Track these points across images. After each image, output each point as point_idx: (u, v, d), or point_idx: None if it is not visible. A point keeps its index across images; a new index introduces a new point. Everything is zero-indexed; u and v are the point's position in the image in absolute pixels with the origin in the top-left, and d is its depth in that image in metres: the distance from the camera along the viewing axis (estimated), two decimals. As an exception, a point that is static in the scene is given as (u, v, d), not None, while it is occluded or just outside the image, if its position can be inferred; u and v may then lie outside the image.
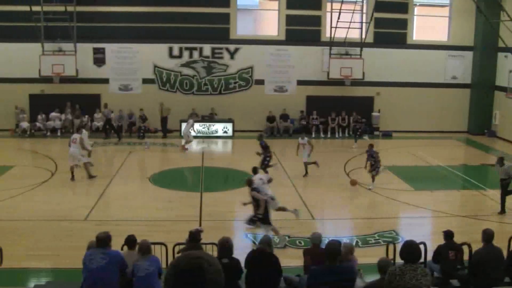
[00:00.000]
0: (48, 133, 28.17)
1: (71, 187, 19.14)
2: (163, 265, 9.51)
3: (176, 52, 29.13)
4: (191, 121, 25.91)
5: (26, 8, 26.40)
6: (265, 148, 20.11)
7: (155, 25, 28.66)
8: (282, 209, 14.72)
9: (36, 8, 26.70)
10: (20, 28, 27.93)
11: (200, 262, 2.55)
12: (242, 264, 8.92)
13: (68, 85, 28.45)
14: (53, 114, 28.38)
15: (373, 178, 18.99)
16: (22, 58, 28.15)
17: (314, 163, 20.39)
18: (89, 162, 20.31)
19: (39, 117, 28.37)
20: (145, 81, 29.20)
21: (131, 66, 29.13)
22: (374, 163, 18.93)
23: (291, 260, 12.06)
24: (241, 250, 10.24)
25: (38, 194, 18.20)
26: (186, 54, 29.18)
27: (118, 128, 28.15)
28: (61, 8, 26.98)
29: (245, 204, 14.44)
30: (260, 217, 13.86)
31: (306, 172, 20.68)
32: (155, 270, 8.75)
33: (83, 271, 8.73)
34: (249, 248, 11.14)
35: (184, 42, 28.94)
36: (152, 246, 9.41)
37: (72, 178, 19.56)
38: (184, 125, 26.34)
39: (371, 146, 19.52)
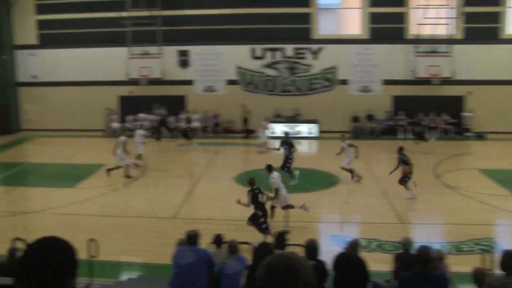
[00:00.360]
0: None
1: (160, 185, 19.65)
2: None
3: (258, 53, 29.30)
4: (264, 123, 25.93)
5: (114, 14, 27.36)
6: (290, 150, 19.86)
7: (238, 27, 28.94)
8: (290, 206, 14.70)
9: (123, 14, 27.62)
10: (109, 34, 29.05)
11: (293, 263, 2.53)
12: (328, 267, 8.82)
13: (155, 87, 29.23)
14: (141, 115, 29.25)
15: (405, 185, 17.47)
16: (111, 61, 29.27)
17: (351, 172, 19.38)
18: (136, 163, 21.04)
19: (128, 117, 29.29)
20: (229, 82, 29.51)
21: (215, 68, 29.53)
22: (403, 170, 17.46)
23: (378, 264, 11.80)
24: (328, 252, 10.13)
25: (129, 191, 18.83)
26: (268, 55, 29.30)
27: (203, 129, 28.61)
28: (146, 13, 27.74)
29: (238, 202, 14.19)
30: (263, 219, 13.84)
31: (352, 176, 19.54)
32: (242, 269, 8.81)
33: (173, 267, 8.91)
34: (336, 250, 11.03)
35: (267, 43, 29.06)
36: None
37: (128, 177, 20.24)
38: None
39: (400, 148, 17.71)
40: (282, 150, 20.13)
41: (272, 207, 15.04)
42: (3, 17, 25.78)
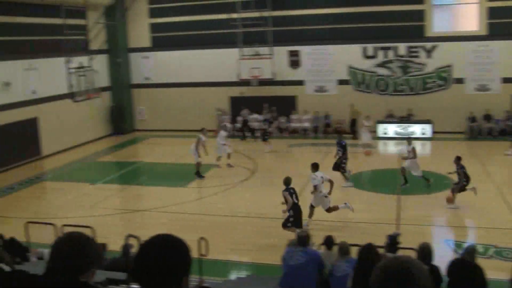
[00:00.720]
0: (248, 134, 29.40)
1: (270, 185, 19.73)
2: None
3: (370, 52, 28.77)
4: (365, 122, 25.48)
5: (225, 16, 27.90)
6: (344, 149, 19.43)
7: (349, 26, 28.58)
8: (334, 208, 14.55)
9: (234, 16, 28.10)
10: (220, 35, 29.64)
11: (410, 267, 2.42)
12: (442, 272, 8.50)
13: (266, 88, 29.47)
14: (253, 115, 29.63)
15: (454, 195, 16.49)
16: (222, 63, 29.85)
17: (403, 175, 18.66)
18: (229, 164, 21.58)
19: (239, 118, 29.77)
20: (340, 82, 29.23)
21: (326, 68, 29.34)
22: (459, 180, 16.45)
23: (496, 272, 11.22)
24: (441, 257, 9.77)
25: (239, 191, 19.09)
26: (380, 54, 28.68)
27: (314, 129, 28.56)
28: (257, 14, 28.03)
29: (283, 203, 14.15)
30: (292, 220, 13.62)
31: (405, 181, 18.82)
32: (352, 271, 8.68)
33: (282, 267, 8.93)
34: (450, 255, 10.63)
35: (379, 42, 28.45)
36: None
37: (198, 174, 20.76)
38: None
39: (458, 158, 16.79)
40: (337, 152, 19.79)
41: (311, 207, 15.00)
42: (119, 22, 26.95)
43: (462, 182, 16.44)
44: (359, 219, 15.56)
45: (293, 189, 14.13)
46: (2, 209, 17.16)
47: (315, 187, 14.86)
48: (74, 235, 2.85)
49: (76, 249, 2.77)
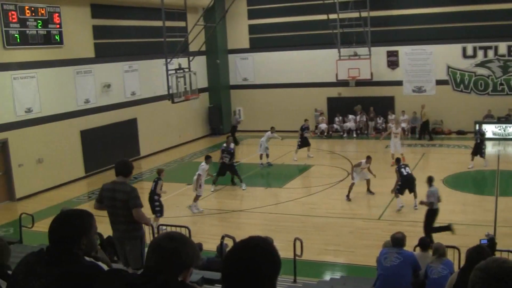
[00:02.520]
0: (345, 134, 29.22)
1: (365, 186, 19.51)
2: (455, 269, 9.15)
3: (470, 51, 27.83)
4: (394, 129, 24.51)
5: (324, 16, 27.79)
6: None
7: (448, 25, 27.77)
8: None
9: (332, 16, 27.95)
10: (318, 36, 29.60)
11: (510, 268, 2.33)
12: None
13: (363, 88, 29.17)
14: (350, 116, 29.46)
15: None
16: (320, 63, 29.81)
17: None
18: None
19: (336, 119, 29.64)
20: (439, 82, 28.45)
21: (425, 68, 28.66)
22: None
23: None
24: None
25: (335, 192, 19.00)
26: (480, 53, 27.68)
27: (412, 130, 28.01)
28: (355, 15, 27.74)
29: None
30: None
31: None
32: (448, 273, 8.46)
33: (377, 269, 8.82)
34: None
35: (478, 41, 27.46)
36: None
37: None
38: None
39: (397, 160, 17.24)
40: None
41: None
42: (218, 24, 27.45)
43: None
44: (454, 220, 15.08)
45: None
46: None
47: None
48: (173, 234, 2.92)
49: (175, 249, 2.81)
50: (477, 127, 22.76)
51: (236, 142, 26.54)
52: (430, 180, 14.31)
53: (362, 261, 12.64)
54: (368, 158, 17.88)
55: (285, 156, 24.81)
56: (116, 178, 8.16)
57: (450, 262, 8.84)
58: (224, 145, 20.08)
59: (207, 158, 17.63)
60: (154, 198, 15.41)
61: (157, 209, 15.37)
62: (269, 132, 23.48)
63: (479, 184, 20.10)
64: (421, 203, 14.13)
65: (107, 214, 8.27)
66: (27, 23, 20.22)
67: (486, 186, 19.20)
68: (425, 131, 27.64)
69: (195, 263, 2.88)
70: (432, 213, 13.54)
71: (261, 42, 31.64)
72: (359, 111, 29.37)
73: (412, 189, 16.50)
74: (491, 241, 9.78)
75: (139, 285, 2.76)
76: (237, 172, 19.96)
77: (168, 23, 22.78)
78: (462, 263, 10.16)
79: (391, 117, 28.53)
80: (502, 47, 27.19)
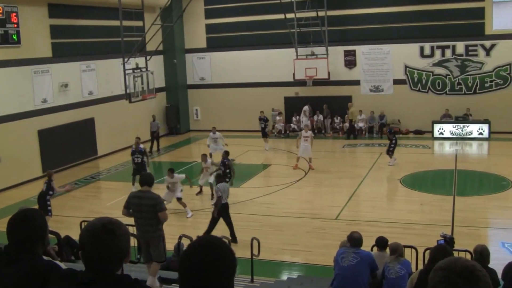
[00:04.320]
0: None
1: (323, 186, 19.66)
2: (413, 269, 9.26)
3: (427, 51, 28.24)
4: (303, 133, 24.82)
5: (281, 16, 27.85)
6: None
7: (406, 25, 28.12)
8: None
9: (290, 16, 28.02)
10: (275, 35, 29.65)
11: (473, 269, 2.32)
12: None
13: (320, 88, 29.29)
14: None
15: None
16: (277, 63, 29.86)
17: None
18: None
19: (294, 118, 29.72)
20: (396, 81, 28.80)
21: (382, 67, 28.97)
22: None
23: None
24: (497, 260, 9.46)
25: (293, 192, 19.05)
26: (438, 52, 28.10)
27: (369, 129, 28.26)
28: (313, 14, 27.86)
29: None
30: None
31: None
32: (406, 273, 8.52)
33: (334, 268, 8.84)
34: (506, 258, 10.30)
35: (436, 41, 27.88)
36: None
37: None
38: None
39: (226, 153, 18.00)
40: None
41: None
42: (176, 23, 27.30)
43: None
44: (412, 220, 15.31)
45: None
46: (59, 208, 17.54)
47: None
48: (110, 224, 2.76)
49: (116, 240, 2.73)
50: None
51: (158, 149, 26.78)
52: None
53: (320, 260, 12.66)
54: None
55: (243, 155, 24.79)
56: (142, 187, 9.71)
57: (407, 262, 8.90)
58: (133, 146, 19.91)
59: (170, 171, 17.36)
60: (46, 199, 15.32)
61: (49, 209, 15.25)
62: (211, 133, 23.35)
63: (437, 183, 20.23)
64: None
65: (134, 218, 9.71)
66: (-16, 22, 19.97)
67: (443, 186, 19.45)
68: (351, 131, 28.21)
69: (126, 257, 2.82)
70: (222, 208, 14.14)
71: (218, 41, 31.52)
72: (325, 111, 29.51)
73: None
74: (450, 241, 9.89)
75: (89, 283, 2.70)
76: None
77: (126, 23, 22.61)
78: (420, 263, 10.32)
79: (360, 116, 28.66)
80: (460, 46, 27.64)
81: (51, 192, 15.63)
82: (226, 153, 18.17)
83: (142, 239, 10.05)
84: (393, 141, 21.77)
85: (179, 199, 16.72)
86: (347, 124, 28.53)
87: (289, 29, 28.20)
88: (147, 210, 9.52)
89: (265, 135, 26.26)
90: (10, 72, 21.42)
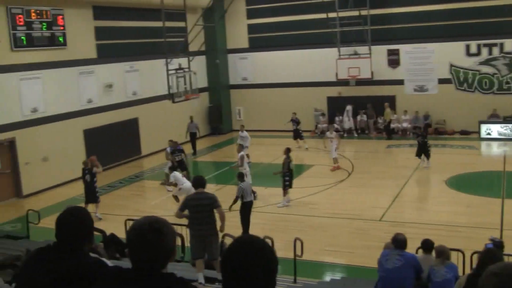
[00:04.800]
0: (345, 134, 29.10)
1: (366, 187, 19.45)
2: (460, 273, 9.05)
3: (474, 49, 27.64)
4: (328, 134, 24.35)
5: (323, 15, 27.69)
6: None
7: (451, 23, 27.58)
8: None
9: (332, 15, 27.84)
10: (318, 35, 29.50)
11: None
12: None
13: (364, 87, 29.01)
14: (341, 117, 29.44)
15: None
16: (320, 62, 29.70)
17: None
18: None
19: (336, 118, 29.50)
20: (441, 81, 28.30)
21: (426, 66, 28.51)
22: None
23: None
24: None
25: (336, 192, 18.92)
26: (485, 51, 27.47)
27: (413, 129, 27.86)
28: (355, 13, 27.62)
29: None
30: None
31: None
32: (452, 277, 8.35)
33: (378, 270, 8.73)
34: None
35: (483, 39, 27.25)
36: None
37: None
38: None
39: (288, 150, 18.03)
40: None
41: None
42: (218, 24, 27.43)
43: None
44: (459, 222, 15.01)
45: None
46: (104, 206, 17.81)
47: None
48: (156, 223, 2.80)
49: (161, 239, 2.75)
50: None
51: (194, 152, 26.58)
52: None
53: (363, 262, 12.54)
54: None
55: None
56: (197, 189, 10.51)
57: (454, 266, 8.71)
58: (168, 148, 20.59)
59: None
60: (94, 186, 16.87)
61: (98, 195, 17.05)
62: (240, 131, 23.69)
63: (484, 185, 19.70)
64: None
65: (192, 218, 10.42)
66: (33, 25, 20.74)
67: (491, 188, 19.00)
68: (388, 131, 28.02)
69: (171, 257, 2.85)
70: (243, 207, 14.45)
71: (260, 41, 31.54)
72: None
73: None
74: (500, 245, 9.63)
75: (136, 281, 2.72)
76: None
77: (168, 24, 22.80)
78: (467, 266, 10.10)
79: (392, 117, 28.42)
80: (508, 44, 26.88)
81: (95, 179, 16.77)
82: (288, 150, 18.03)
83: (198, 238, 10.50)
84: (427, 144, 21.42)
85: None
86: (391, 125, 28.20)
87: (331, 28, 28.02)
88: (206, 209, 10.26)
89: (297, 136, 26.24)
90: (58, 73, 21.95)
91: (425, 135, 21.75)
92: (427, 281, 8.55)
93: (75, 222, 3.36)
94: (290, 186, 17.51)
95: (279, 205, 17.43)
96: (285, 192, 17.46)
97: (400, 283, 8.39)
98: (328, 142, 22.41)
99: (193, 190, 15.69)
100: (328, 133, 22.80)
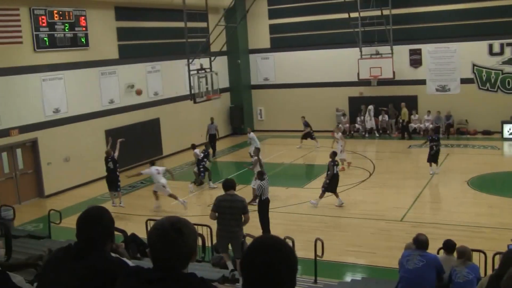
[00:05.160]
0: (366, 134, 28.98)
1: (387, 187, 19.36)
2: (481, 274, 8.97)
3: (496, 49, 27.34)
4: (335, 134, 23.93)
5: (345, 15, 27.60)
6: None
7: (473, 22, 27.32)
8: None
9: (354, 15, 27.73)
10: (340, 35, 29.43)
11: None
12: None
13: (385, 87, 28.84)
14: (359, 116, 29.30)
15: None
16: (342, 62, 29.62)
17: None
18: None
19: (358, 118, 29.39)
20: (464, 81, 28.04)
21: (449, 66, 28.28)
22: None
23: None
24: None
25: (356, 192, 18.84)
26: (508, 50, 27.15)
27: (436, 129, 27.65)
28: (377, 13, 27.48)
29: None
30: None
31: None
32: (474, 278, 8.28)
33: (399, 271, 8.68)
34: None
35: (506, 38, 26.94)
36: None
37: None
38: None
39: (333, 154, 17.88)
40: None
41: None
42: (240, 24, 27.47)
43: None
44: (480, 223, 14.87)
45: None
46: (126, 206, 17.95)
47: None
48: (178, 223, 2.81)
49: (183, 238, 2.76)
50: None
51: (214, 153, 26.34)
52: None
53: (384, 262, 12.49)
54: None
55: (306, 156, 24.69)
56: (228, 191, 10.73)
57: (476, 267, 8.62)
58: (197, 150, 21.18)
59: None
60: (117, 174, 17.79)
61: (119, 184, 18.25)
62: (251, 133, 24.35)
63: (507, 186, 19.46)
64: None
65: (222, 219, 10.69)
66: (55, 26, 20.98)
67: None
68: (404, 131, 27.92)
69: (192, 257, 2.86)
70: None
71: (282, 41, 31.54)
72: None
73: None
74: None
75: (157, 281, 2.73)
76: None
77: (190, 24, 22.88)
78: (489, 267, 10.01)
79: (414, 117, 28.24)
80: (532, 44, 26.64)
81: (117, 165, 17.41)
82: (334, 154, 17.93)
83: (225, 239, 10.94)
84: (433, 148, 20.56)
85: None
86: (412, 125, 28.02)
87: (353, 28, 27.92)
88: (237, 212, 10.64)
89: (307, 136, 26.53)
90: (80, 74, 22.18)
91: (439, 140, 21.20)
92: (449, 282, 8.49)
93: (95, 222, 3.37)
94: (331, 190, 17.21)
95: (312, 201, 17.38)
96: (322, 194, 17.22)
97: (421, 284, 8.34)
98: (335, 143, 22.38)
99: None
100: (335, 134, 22.78)
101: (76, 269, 3.22)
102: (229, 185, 10.84)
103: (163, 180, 17.90)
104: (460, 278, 8.30)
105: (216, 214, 10.71)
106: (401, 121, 28.33)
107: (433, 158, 20.45)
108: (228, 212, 10.64)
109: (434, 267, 8.43)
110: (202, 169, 20.56)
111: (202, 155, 20.66)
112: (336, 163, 17.59)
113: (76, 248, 3.34)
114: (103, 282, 3.15)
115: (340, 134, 22.73)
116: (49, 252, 5.18)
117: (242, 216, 10.70)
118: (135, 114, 24.80)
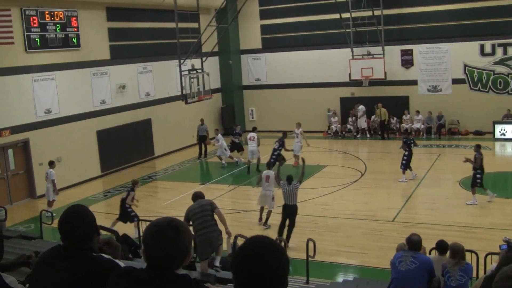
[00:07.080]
0: (358, 135, 29.02)
1: (379, 187, 19.39)
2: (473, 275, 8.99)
3: (488, 49, 27.42)
4: (295, 130, 23.96)
5: (336, 16, 27.60)
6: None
7: (465, 22, 27.40)
8: None
9: (345, 15, 27.76)
10: (331, 35, 29.47)
11: None
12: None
13: (377, 88, 28.91)
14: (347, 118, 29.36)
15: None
16: (333, 63, 29.65)
17: None
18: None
19: (349, 119, 29.43)
20: (455, 81, 28.11)
21: (440, 67, 28.35)
22: None
23: None
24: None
25: (348, 193, 18.86)
26: (499, 50, 27.24)
27: (427, 130, 27.71)
28: (368, 13, 27.51)
29: None
30: None
31: None
32: (466, 281, 8.28)
33: (391, 272, 8.68)
34: None
35: (497, 38, 27.04)
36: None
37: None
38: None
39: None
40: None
41: None
42: (231, 25, 27.46)
43: None
44: (472, 223, 14.92)
45: None
46: (116, 207, 17.87)
47: None
48: (174, 222, 2.81)
49: (178, 238, 2.76)
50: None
51: (205, 154, 26.39)
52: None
53: (376, 263, 12.52)
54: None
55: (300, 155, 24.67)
56: (196, 201, 11.07)
57: (470, 267, 8.51)
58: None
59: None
60: (126, 206, 15.41)
61: (132, 214, 15.29)
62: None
63: (498, 186, 19.52)
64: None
65: (197, 224, 10.75)
66: (47, 27, 20.94)
67: (505, 189, 18.87)
68: (383, 130, 28.05)
69: (191, 251, 2.86)
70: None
71: (273, 42, 31.55)
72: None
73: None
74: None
75: (150, 281, 2.72)
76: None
77: (181, 25, 22.85)
78: (481, 268, 10.03)
79: (406, 117, 28.28)
80: (523, 44, 26.72)
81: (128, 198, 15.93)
82: (478, 146, 17.60)
83: (205, 243, 10.94)
84: (405, 153, 20.03)
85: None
86: (404, 125, 28.04)
87: (344, 28, 27.95)
88: (207, 210, 11.01)
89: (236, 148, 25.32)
90: (71, 74, 22.14)
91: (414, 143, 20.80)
92: (441, 283, 8.47)
93: (76, 222, 3.33)
94: (481, 184, 16.74)
95: (468, 202, 16.80)
96: (474, 190, 16.75)
97: (412, 286, 8.33)
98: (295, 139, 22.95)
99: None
100: (295, 130, 23.35)
101: (64, 269, 3.20)
102: (197, 196, 11.26)
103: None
104: (453, 281, 8.26)
105: (190, 222, 10.85)
106: (379, 120, 28.31)
107: (407, 164, 19.95)
108: (200, 215, 10.87)
109: (426, 269, 8.40)
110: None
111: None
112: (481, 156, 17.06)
113: (63, 248, 3.32)
114: (92, 281, 3.13)
115: (300, 129, 23.06)
116: (36, 255, 5.13)
117: (214, 214, 10.95)
118: (126, 114, 24.75)
